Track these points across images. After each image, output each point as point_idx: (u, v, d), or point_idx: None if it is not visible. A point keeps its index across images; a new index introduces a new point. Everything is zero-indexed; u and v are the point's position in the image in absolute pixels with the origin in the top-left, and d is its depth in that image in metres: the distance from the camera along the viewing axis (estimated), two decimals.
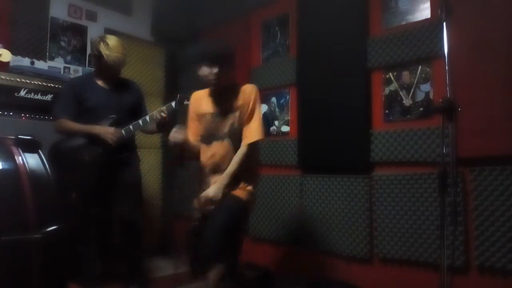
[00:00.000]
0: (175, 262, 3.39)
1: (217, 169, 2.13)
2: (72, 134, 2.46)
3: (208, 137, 2.18)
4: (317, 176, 2.83)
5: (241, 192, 2.10)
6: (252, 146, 2.12)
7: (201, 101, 2.25)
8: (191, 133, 2.26)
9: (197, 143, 2.23)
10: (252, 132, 2.11)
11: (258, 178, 2.39)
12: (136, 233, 2.63)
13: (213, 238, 1.93)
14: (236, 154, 2.09)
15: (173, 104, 2.45)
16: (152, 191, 3.72)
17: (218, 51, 2.12)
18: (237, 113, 2.12)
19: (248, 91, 2.14)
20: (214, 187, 2.06)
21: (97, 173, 2.44)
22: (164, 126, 2.48)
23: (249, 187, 2.13)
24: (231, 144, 2.12)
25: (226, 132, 2.13)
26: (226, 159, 2.11)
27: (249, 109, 2.11)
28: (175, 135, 2.12)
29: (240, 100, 2.12)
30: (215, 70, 2.06)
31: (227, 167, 2.09)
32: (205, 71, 2.08)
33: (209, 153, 2.15)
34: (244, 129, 2.12)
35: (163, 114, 2.34)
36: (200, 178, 2.23)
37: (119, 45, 2.51)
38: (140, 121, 2.46)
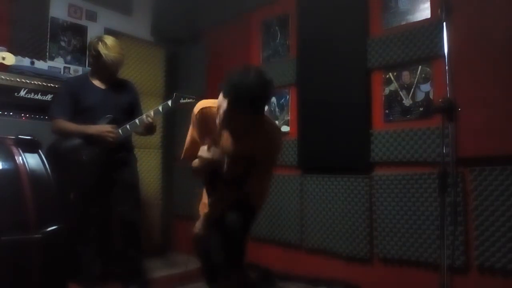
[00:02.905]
0: (174, 262, 3.39)
1: None
2: (69, 135, 2.45)
3: None
4: (317, 176, 2.82)
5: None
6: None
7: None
8: None
9: None
10: None
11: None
12: (135, 233, 2.63)
13: (230, 247, 1.87)
14: None
15: (169, 102, 2.49)
16: (152, 191, 3.72)
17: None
18: None
19: None
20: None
21: (96, 173, 2.44)
22: (149, 130, 2.59)
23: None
24: None
25: None
26: None
27: None
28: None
29: None
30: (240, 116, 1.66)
31: None
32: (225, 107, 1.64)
33: None
34: None
35: (150, 119, 2.47)
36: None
37: (117, 45, 2.53)
38: (137, 120, 2.49)
